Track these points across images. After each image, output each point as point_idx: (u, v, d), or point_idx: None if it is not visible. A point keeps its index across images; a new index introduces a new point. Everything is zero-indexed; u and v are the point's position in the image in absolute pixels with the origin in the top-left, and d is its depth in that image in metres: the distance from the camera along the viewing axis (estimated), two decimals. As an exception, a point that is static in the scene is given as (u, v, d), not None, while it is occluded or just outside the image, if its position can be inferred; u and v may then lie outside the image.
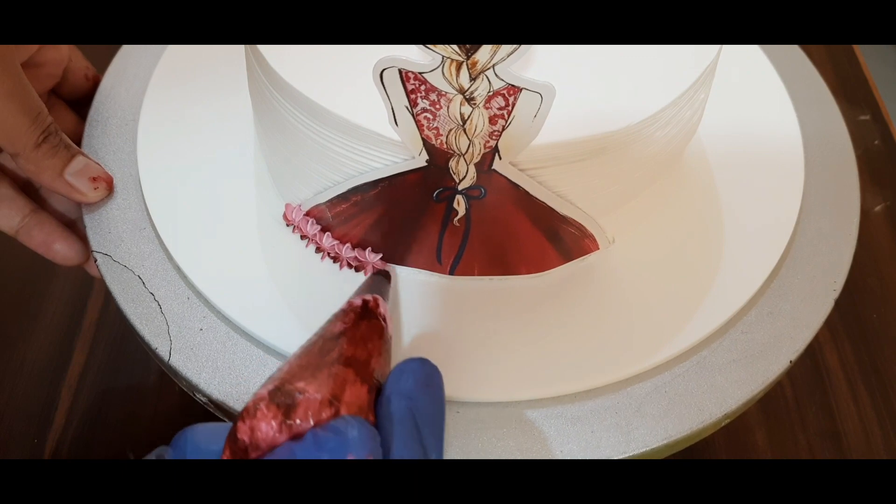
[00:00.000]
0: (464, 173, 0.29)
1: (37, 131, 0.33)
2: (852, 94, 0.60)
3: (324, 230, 0.35)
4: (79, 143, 0.38)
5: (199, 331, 0.33)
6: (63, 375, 0.44)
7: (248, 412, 0.22)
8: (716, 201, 0.38)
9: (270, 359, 0.32)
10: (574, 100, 0.30)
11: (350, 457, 0.21)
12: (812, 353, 0.47)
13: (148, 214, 0.36)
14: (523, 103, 0.26)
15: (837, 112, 0.42)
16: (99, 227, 0.36)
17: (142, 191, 0.37)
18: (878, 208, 0.54)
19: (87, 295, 0.47)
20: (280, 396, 0.22)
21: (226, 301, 0.33)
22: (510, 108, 0.26)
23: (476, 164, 0.28)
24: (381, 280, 0.32)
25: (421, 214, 0.31)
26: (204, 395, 0.31)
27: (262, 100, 0.33)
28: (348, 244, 0.34)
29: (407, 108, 0.27)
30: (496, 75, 0.25)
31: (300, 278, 0.34)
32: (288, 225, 0.36)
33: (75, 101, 0.41)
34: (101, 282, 0.34)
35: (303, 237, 0.35)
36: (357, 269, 0.34)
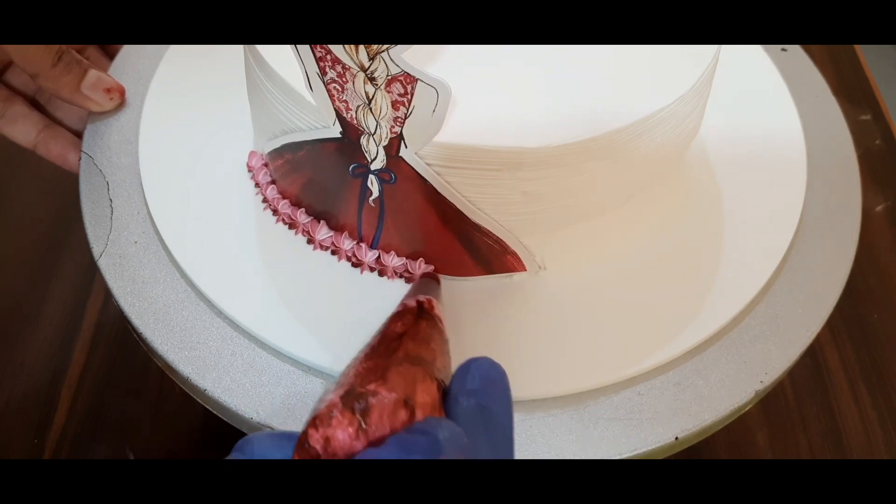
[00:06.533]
0: (374, 154, 0.29)
1: (50, 52, 0.36)
2: (853, 93, 0.59)
3: (272, 182, 0.35)
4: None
5: (133, 243, 0.34)
6: (63, 375, 0.44)
7: (322, 420, 0.21)
8: (715, 208, 0.36)
9: (182, 283, 0.33)
10: (501, 109, 0.29)
11: (443, 458, 0.20)
12: (813, 353, 0.46)
13: (137, 133, 0.38)
14: (421, 95, 0.26)
15: (838, 112, 0.41)
16: (95, 133, 0.38)
17: (142, 112, 0.39)
18: (878, 208, 0.53)
19: (86, 296, 0.47)
20: (352, 400, 0.21)
21: (164, 221, 0.35)
22: (409, 96, 0.26)
23: (385, 148, 0.28)
24: (430, 283, 0.32)
25: (341, 186, 0.31)
26: (116, 302, 0.33)
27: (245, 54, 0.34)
28: (287, 200, 0.35)
29: (318, 74, 0.27)
30: (391, 59, 0.25)
31: (240, 225, 0.35)
32: (249, 171, 0.37)
33: None
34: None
35: (256, 185, 0.36)
36: (290, 227, 0.35)
